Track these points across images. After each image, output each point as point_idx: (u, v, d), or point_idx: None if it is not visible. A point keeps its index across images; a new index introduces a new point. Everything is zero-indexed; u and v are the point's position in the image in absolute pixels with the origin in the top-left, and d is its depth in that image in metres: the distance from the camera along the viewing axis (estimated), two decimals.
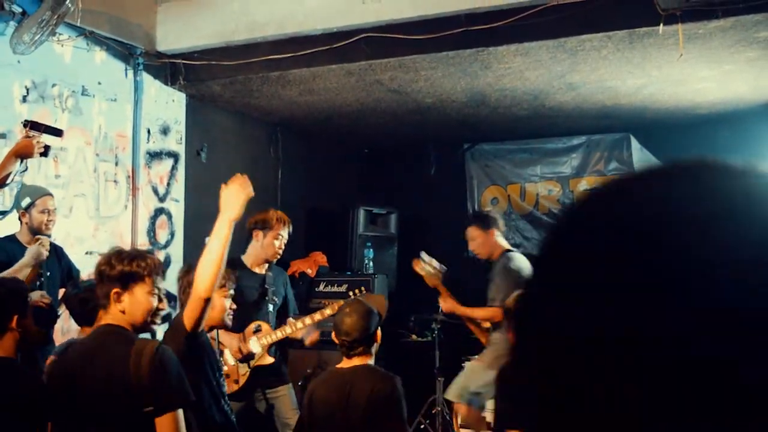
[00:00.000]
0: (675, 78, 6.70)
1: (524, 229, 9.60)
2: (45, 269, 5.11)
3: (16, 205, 5.19)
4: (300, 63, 6.37)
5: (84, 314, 4.28)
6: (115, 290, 3.27)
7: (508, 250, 6.29)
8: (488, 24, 5.68)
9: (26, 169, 4.50)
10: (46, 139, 4.57)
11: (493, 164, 9.77)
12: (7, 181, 4.37)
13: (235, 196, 4.02)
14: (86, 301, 4.25)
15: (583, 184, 9.29)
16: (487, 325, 6.16)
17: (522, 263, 6.09)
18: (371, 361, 4.01)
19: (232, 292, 4.39)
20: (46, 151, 4.53)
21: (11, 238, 5.10)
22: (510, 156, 9.69)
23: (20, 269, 4.73)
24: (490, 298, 6.05)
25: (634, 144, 8.91)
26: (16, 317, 3.53)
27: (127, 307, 3.28)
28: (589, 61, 6.17)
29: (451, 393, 6.30)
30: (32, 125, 4.52)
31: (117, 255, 3.34)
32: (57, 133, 4.69)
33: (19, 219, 5.19)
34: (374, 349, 4.12)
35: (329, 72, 6.52)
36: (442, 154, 9.99)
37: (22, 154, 4.38)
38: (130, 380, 3.10)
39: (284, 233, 5.75)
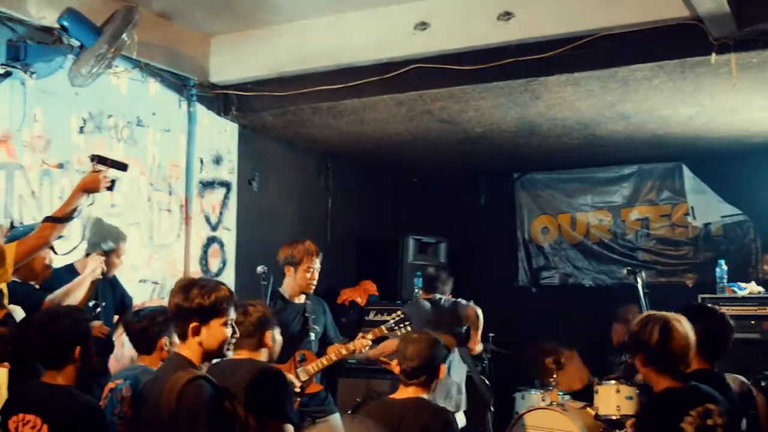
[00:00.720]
0: (728, 107, 6.63)
1: (575, 259, 9.52)
2: (101, 299, 5.18)
3: (92, 241, 5.26)
4: (350, 94, 6.43)
5: (144, 343, 4.35)
6: (193, 324, 3.30)
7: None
8: (538, 54, 5.69)
9: (93, 202, 4.57)
10: (112, 173, 4.62)
11: (543, 193, 9.73)
12: (74, 215, 4.44)
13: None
14: (146, 330, 4.32)
15: (635, 214, 9.20)
16: None
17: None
18: (427, 396, 3.92)
19: (232, 319, 4.28)
20: (111, 185, 4.58)
21: (70, 269, 5.18)
22: (560, 185, 9.63)
23: (79, 284, 4.82)
24: None
25: (687, 173, 8.81)
26: (79, 348, 3.60)
27: (205, 339, 3.33)
28: (641, 90, 6.14)
29: None
30: (99, 159, 4.57)
31: (194, 288, 3.34)
32: (122, 167, 4.74)
33: (87, 254, 5.22)
34: (434, 385, 4.01)
35: (379, 102, 6.57)
36: (491, 183, 9.98)
37: (89, 188, 4.45)
38: (161, 413, 3.15)
39: (315, 264, 5.75)
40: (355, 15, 6.28)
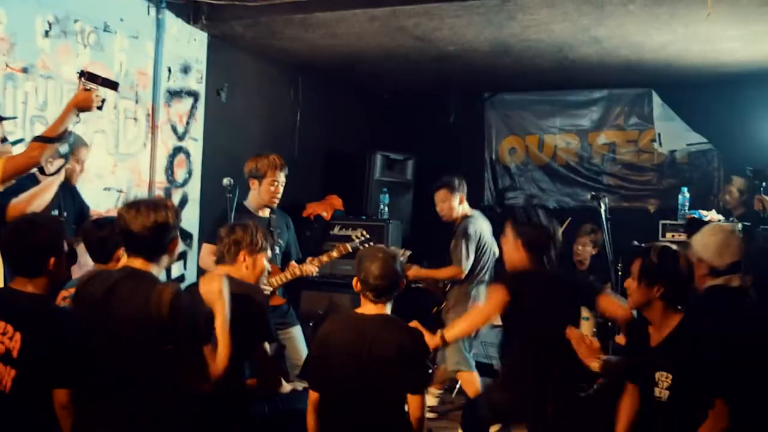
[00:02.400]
0: (701, 36, 6.62)
1: (540, 180, 9.59)
2: (63, 209, 5.13)
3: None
4: (323, 6, 6.32)
5: (102, 252, 4.32)
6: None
7: (468, 216, 6.68)
8: None
9: (80, 121, 4.44)
10: (102, 92, 4.49)
11: (512, 114, 9.72)
12: (65, 135, 4.33)
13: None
14: (105, 240, 4.29)
15: (602, 138, 9.25)
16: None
17: (480, 226, 6.63)
18: (389, 310, 3.96)
19: (269, 253, 4.47)
20: (102, 105, 4.45)
21: (31, 177, 5.11)
22: (530, 107, 9.62)
23: (46, 188, 4.71)
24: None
25: (656, 100, 8.83)
26: (53, 260, 3.56)
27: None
28: (616, 15, 6.10)
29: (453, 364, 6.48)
30: (89, 76, 4.40)
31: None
32: (113, 86, 4.59)
33: None
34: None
35: (353, 16, 6.47)
36: (462, 103, 9.93)
37: (81, 107, 4.32)
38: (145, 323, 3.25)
39: (279, 177, 5.75)
40: None
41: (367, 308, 3.91)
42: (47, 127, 4.47)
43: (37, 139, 4.29)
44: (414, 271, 6.59)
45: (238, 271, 4.26)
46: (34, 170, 5.06)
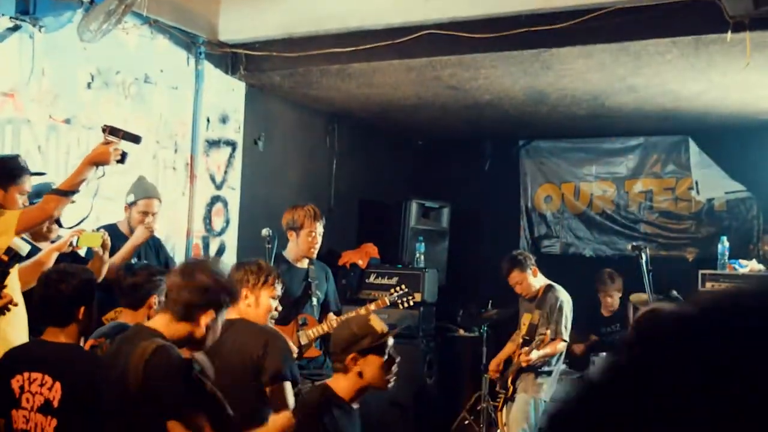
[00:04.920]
0: (739, 84, 6.59)
1: (577, 229, 9.53)
2: (143, 259, 5.22)
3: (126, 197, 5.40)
4: (360, 57, 6.39)
5: (134, 298, 4.31)
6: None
7: (551, 285, 6.56)
8: (551, 25, 5.64)
9: (103, 174, 4.49)
10: (124, 145, 4.54)
11: (548, 162, 9.70)
12: (79, 188, 4.37)
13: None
14: (138, 285, 4.30)
15: (639, 186, 9.19)
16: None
17: (565, 294, 6.49)
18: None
19: (279, 293, 4.34)
20: (122, 158, 4.49)
21: (112, 227, 5.21)
22: (565, 154, 9.60)
23: (128, 252, 4.85)
24: (545, 332, 6.30)
25: (693, 147, 8.77)
26: (83, 308, 3.59)
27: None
28: (652, 64, 6.10)
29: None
30: (111, 130, 4.45)
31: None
32: (135, 139, 4.64)
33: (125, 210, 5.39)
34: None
35: (389, 67, 6.54)
36: (496, 150, 9.94)
37: (98, 161, 4.36)
38: (127, 384, 3.04)
39: (317, 228, 5.76)
40: None
41: None
42: (63, 180, 4.49)
43: (53, 192, 4.29)
44: (529, 358, 6.24)
45: (241, 309, 4.18)
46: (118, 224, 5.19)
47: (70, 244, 4.68)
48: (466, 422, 8.05)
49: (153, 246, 5.50)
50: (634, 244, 6.76)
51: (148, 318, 4.25)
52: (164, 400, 3.02)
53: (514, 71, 6.45)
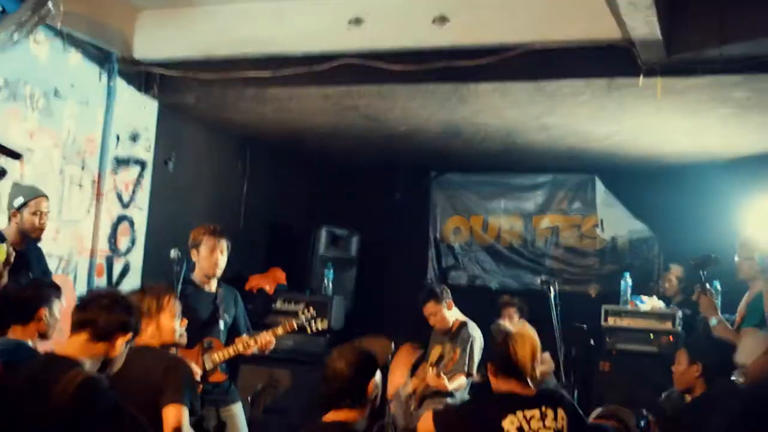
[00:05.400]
0: (647, 127, 6.81)
1: (484, 261, 9.62)
2: (30, 270, 5.04)
3: (9, 205, 5.12)
4: (278, 82, 6.34)
5: (22, 311, 4.15)
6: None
7: (465, 321, 6.52)
8: (471, 60, 5.71)
9: (5, 173, 4.32)
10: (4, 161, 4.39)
11: (458, 194, 9.78)
12: None
13: None
14: (29, 299, 4.18)
15: (546, 222, 9.35)
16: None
17: (478, 332, 6.43)
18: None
19: (178, 310, 4.26)
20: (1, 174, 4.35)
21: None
22: (476, 188, 9.71)
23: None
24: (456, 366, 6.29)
25: (599, 186, 9.00)
26: None
27: None
28: (566, 105, 6.24)
29: None
30: None
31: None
32: (15, 156, 4.52)
33: (9, 218, 5.13)
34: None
35: (306, 94, 6.51)
36: (408, 181, 9.97)
37: None
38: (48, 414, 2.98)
39: (219, 244, 5.66)
40: (289, 4, 6.19)
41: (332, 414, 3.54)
42: None
43: None
44: (437, 383, 6.18)
45: (145, 339, 4.07)
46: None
47: None
48: None
49: (36, 255, 5.31)
50: (543, 278, 6.86)
51: (39, 333, 4.14)
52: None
53: (431, 104, 6.50)
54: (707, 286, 5.85)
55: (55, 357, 3.21)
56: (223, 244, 5.67)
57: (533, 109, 6.44)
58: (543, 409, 3.72)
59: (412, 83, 5.99)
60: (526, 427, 3.65)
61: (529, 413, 3.69)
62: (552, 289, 6.39)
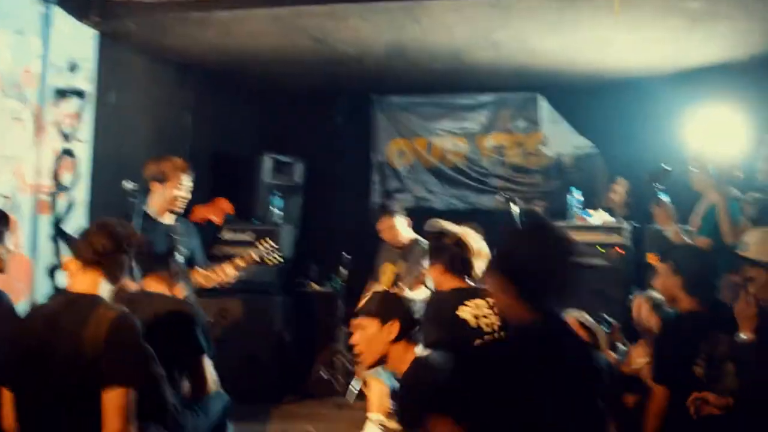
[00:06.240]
0: (597, 41, 6.80)
1: (429, 183, 9.60)
2: None
3: None
4: (225, 5, 6.13)
5: None
6: None
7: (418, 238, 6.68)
8: None
9: None
10: None
11: (401, 117, 9.70)
12: None
13: None
14: None
15: (490, 141, 9.36)
16: None
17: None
18: None
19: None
20: None
21: None
22: (418, 109, 9.63)
23: None
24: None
25: (543, 104, 9.00)
26: None
27: None
28: (520, 19, 6.18)
29: None
30: None
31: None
32: None
33: None
34: None
35: (254, 16, 6.31)
36: (350, 105, 9.83)
37: None
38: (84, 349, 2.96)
39: (185, 181, 5.58)
40: None
41: None
42: None
43: None
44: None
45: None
46: None
47: None
48: (322, 375, 8.07)
49: None
50: (505, 194, 6.88)
51: None
52: (129, 368, 3.02)
53: (382, 23, 6.38)
54: (662, 197, 5.93)
55: (75, 295, 3.15)
56: (189, 181, 5.57)
57: (485, 25, 6.37)
58: (485, 298, 4.05)
59: (366, 2, 5.85)
60: (478, 313, 4.02)
61: (477, 302, 4.07)
62: (514, 206, 6.41)
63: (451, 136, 9.51)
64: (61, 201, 6.66)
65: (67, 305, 3.10)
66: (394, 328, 3.43)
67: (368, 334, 3.44)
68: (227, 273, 5.72)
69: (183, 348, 3.91)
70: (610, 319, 5.70)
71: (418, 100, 9.61)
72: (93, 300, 3.10)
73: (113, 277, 3.20)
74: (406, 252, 6.64)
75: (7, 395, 3.12)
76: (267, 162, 8.79)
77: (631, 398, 4.85)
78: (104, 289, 3.19)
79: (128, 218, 5.25)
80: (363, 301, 3.65)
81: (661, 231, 6.08)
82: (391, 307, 3.49)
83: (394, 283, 6.46)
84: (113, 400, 2.93)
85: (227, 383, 4.72)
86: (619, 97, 8.37)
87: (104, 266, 3.17)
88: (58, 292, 3.26)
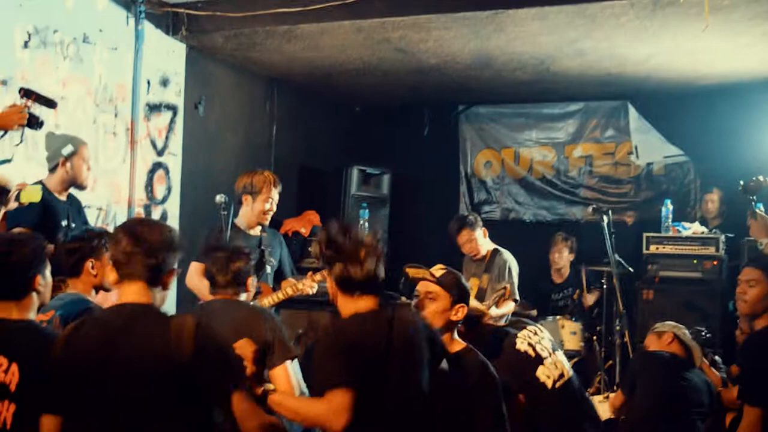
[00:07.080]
0: (687, 48, 6.65)
1: (517, 194, 9.53)
2: (71, 221, 4.95)
3: (50, 155, 4.99)
4: (309, 18, 6.19)
5: (70, 264, 4.03)
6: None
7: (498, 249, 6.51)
8: None
9: (21, 141, 4.26)
10: (38, 109, 4.31)
11: (487, 127, 9.65)
12: None
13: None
14: (73, 251, 4.04)
15: (578, 151, 9.23)
16: None
17: (512, 258, 6.45)
18: None
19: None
20: (33, 123, 4.27)
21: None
22: (505, 120, 9.57)
23: None
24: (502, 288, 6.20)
25: (632, 112, 8.83)
26: (38, 277, 3.29)
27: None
28: (606, 28, 6.08)
29: None
30: (25, 93, 4.30)
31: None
32: (50, 104, 4.43)
33: (55, 168, 4.99)
34: None
35: (338, 28, 6.36)
36: (436, 116, 9.82)
37: (1, 125, 4.16)
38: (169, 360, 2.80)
39: (274, 195, 5.61)
40: None
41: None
42: None
43: None
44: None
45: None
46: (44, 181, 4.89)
47: (16, 199, 4.42)
48: None
49: (76, 206, 5.22)
50: (595, 206, 6.76)
51: (95, 287, 4.04)
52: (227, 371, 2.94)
53: (467, 33, 6.34)
54: (757, 209, 5.75)
55: (133, 306, 2.96)
56: (278, 195, 5.64)
57: (571, 34, 6.27)
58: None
59: (448, 12, 5.84)
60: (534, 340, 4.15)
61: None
62: (605, 217, 6.26)
63: (538, 147, 9.42)
64: (155, 213, 6.82)
65: (127, 318, 2.92)
66: (462, 311, 3.57)
67: (436, 307, 3.57)
68: (313, 285, 5.73)
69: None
70: (707, 333, 5.50)
71: (504, 110, 9.54)
72: (152, 310, 2.96)
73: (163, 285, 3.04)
74: (488, 264, 6.56)
75: (50, 424, 2.93)
76: (354, 174, 8.83)
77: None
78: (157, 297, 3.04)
79: (215, 230, 5.37)
80: (436, 271, 3.74)
81: (756, 243, 5.89)
82: (463, 290, 3.66)
83: (479, 298, 6.36)
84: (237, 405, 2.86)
85: None
86: (712, 104, 8.14)
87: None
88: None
